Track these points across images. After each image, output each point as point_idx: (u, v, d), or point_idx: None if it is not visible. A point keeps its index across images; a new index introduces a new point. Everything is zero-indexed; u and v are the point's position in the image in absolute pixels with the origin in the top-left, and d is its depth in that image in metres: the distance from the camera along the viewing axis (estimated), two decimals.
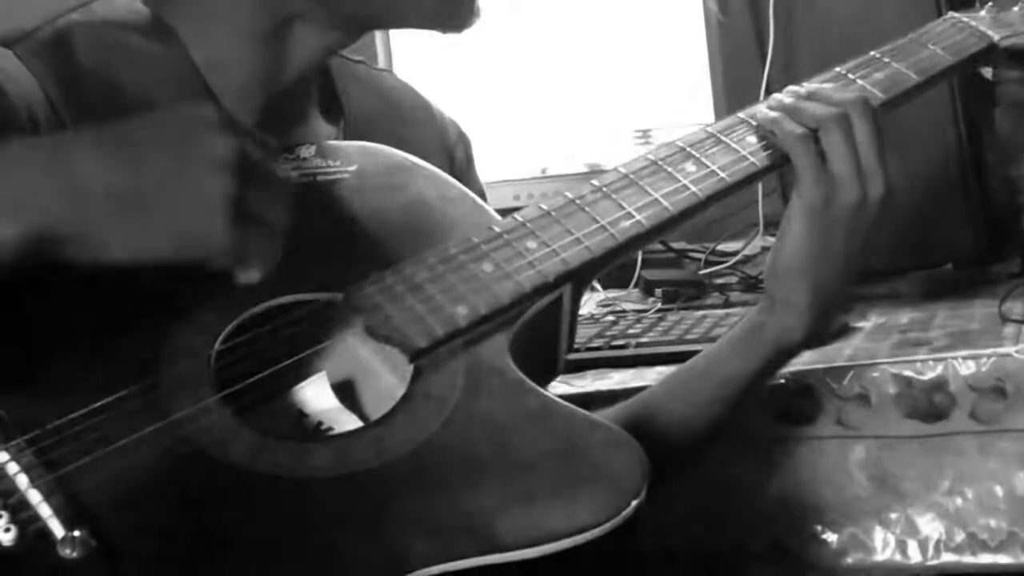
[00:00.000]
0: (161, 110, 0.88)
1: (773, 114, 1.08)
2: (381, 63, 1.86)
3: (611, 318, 1.62)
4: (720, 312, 1.57)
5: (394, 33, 1.89)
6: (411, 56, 1.91)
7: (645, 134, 1.92)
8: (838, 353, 1.32)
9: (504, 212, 1.07)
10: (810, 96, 1.09)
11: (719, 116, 1.86)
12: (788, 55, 1.64)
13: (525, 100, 1.95)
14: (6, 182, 0.82)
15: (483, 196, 1.22)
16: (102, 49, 1.03)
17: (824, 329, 1.12)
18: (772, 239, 1.83)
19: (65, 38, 1.02)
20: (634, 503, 0.85)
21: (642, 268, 1.81)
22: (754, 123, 1.09)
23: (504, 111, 1.93)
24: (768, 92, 1.64)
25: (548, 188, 1.93)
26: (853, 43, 1.58)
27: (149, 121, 0.87)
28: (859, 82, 1.13)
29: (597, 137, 1.94)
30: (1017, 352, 1.24)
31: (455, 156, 1.22)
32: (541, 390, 0.94)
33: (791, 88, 1.11)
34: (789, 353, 1.12)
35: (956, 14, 1.24)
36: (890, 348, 1.32)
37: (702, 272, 1.85)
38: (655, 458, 0.88)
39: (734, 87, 1.86)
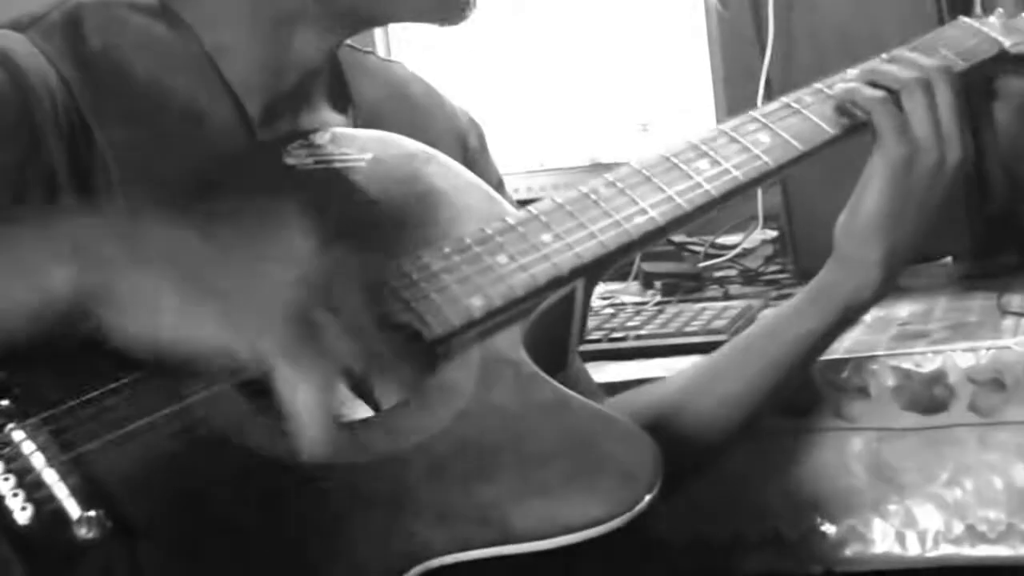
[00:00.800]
0: (252, 205, 0.86)
1: (850, 84, 1.11)
2: (381, 54, 1.86)
3: (610, 310, 1.63)
4: (719, 305, 1.58)
5: (393, 26, 1.89)
6: (411, 49, 1.91)
7: (645, 127, 1.92)
8: (837, 345, 1.32)
9: None
10: (892, 60, 1.12)
11: (719, 109, 1.86)
12: (788, 49, 1.64)
13: (525, 93, 1.95)
14: (70, 231, 0.82)
15: (501, 183, 1.22)
16: (111, 30, 1.03)
17: (890, 288, 1.13)
18: (771, 232, 1.86)
19: (75, 20, 1.02)
20: (647, 497, 0.85)
21: (641, 261, 1.81)
22: (765, 121, 1.10)
23: (504, 104, 1.93)
24: (768, 85, 1.65)
25: (548, 181, 1.94)
26: (851, 37, 1.59)
27: (234, 205, 0.86)
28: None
29: (598, 130, 1.94)
30: (1016, 344, 1.24)
31: (468, 144, 1.22)
32: (555, 383, 0.94)
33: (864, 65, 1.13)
34: (860, 309, 1.14)
35: (967, 19, 1.24)
36: (889, 340, 1.33)
37: (701, 265, 1.85)
38: (679, 453, 0.89)
39: (734, 80, 1.86)
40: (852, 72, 1.13)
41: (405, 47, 1.92)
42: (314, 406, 0.79)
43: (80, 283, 0.80)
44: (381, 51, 1.89)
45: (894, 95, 1.09)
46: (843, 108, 1.10)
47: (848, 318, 1.14)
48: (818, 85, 1.13)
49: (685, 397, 1.17)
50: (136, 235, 0.82)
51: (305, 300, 0.81)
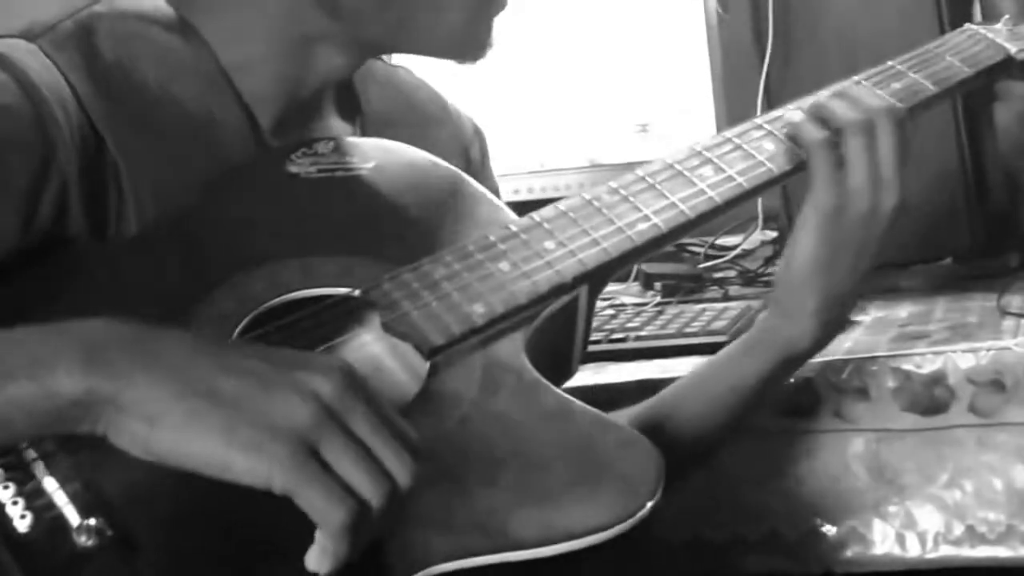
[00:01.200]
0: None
1: (797, 117, 1.09)
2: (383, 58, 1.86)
3: (610, 311, 1.62)
4: (719, 306, 1.57)
5: None
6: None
7: (644, 128, 1.92)
8: (837, 346, 1.32)
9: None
10: (840, 95, 1.09)
11: (719, 111, 1.87)
12: (787, 51, 1.64)
13: (525, 94, 1.95)
14: (85, 337, 0.80)
15: (497, 193, 1.22)
16: (124, 41, 1.02)
17: (831, 337, 1.11)
18: (771, 233, 1.86)
19: (88, 30, 1.02)
20: (649, 504, 0.85)
21: (641, 262, 1.81)
22: (770, 128, 1.10)
23: (504, 105, 1.93)
24: (767, 88, 1.65)
25: (547, 182, 1.94)
26: (851, 39, 1.59)
27: (264, 346, 0.84)
28: (877, 92, 1.13)
29: (597, 131, 1.94)
30: (1016, 345, 1.24)
31: (471, 154, 1.22)
32: (557, 390, 0.94)
33: (825, 91, 1.11)
34: (798, 359, 1.12)
35: (973, 26, 1.24)
36: (889, 341, 1.33)
37: (701, 266, 1.85)
38: (668, 457, 0.89)
39: (733, 82, 1.86)
40: (805, 104, 1.11)
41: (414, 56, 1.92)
42: (317, 551, 0.78)
43: (89, 385, 0.78)
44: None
45: (834, 136, 1.06)
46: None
47: (789, 366, 1.12)
48: (824, 92, 1.13)
49: (655, 421, 1.16)
50: (148, 344, 0.80)
51: (320, 429, 0.78)
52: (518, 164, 1.94)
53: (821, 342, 1.10)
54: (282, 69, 1.06)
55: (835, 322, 1.10)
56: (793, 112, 1.10)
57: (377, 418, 0.80)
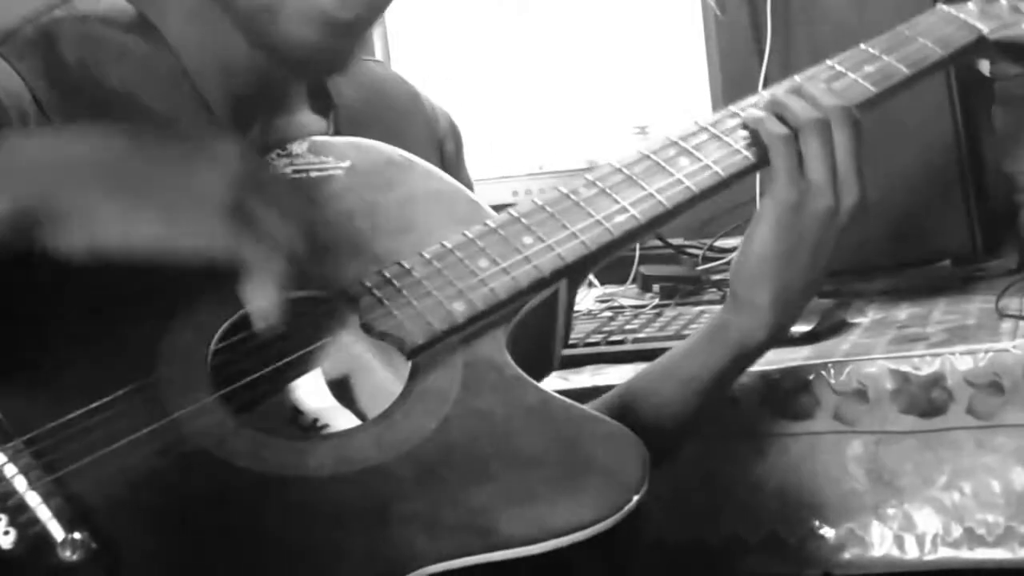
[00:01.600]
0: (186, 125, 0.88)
1: (759, 113, 1.09)
2: (379, 58, 1.86)
3: (608, 313, 1.62)
4: (717, 308, 1.57)
5: (393, 30, 1.89)
6: (409, 51, 1.91)
7: (643, 130, 1.92)
8: (835, 348, 1.33)
9: (502, 208, 1.07)
10: (797, 92, 1.09)
11: (717, 111, 1.86)
12: (785, 50, 1.64)
13: (522, 96, 1.95)
14: (6, 157, 0.82)
15: (470, 187, 1.21)
16: (86, 44, 1.02)
17: (786, 331, 1.11)
18: None
19: (49, 35, 1.01)
20: (635, 498, 0.85)
21: (640, 264, 1.81)
22: (744, 116, 1.09)
23: (501, 107, 1.93)
24: (765, 88, 1.65)
25: (546, 184, 1.93)
26: (849, 37, 1.59)
27: (160, 121, 0.88)
28: (850, 75, 1.13)
29: (595, 133, 1.94)
30: (1014, 347, 1.24)
31: (445, 148, 1.22)
32: (539, 385, 0.94)
33: (783, 83, 1.11)
34: (751, 354, 1.12)
35: (945, 6, 1.23)
36: (887, 343, 1.33)
37: (700, 268, 1.85)
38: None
39: (732, 82, 1.86)
40: (767, 92, 1.11)
41: (404, 50, 1.92)
42: (261, 283, 0.83)
43: (16, 207, 0.80)
44: (380, 53, 1.89)
45: (793, 132, 1.06)
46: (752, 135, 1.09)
47: (742, 360, 1.13)
48: (798, 78, 1.13)
49: (624, 402, 1.16)
50: (66, 148, 0.83)
51: (239, 192, 0.83)
52: (517, 166, 1.94)
53: (774, 337, 1.11)
54: (212, 52, 1.05)
55: (788, 318, 1.11)
56: (752, 108, 1.10)
57: (277, 174, 0.87)
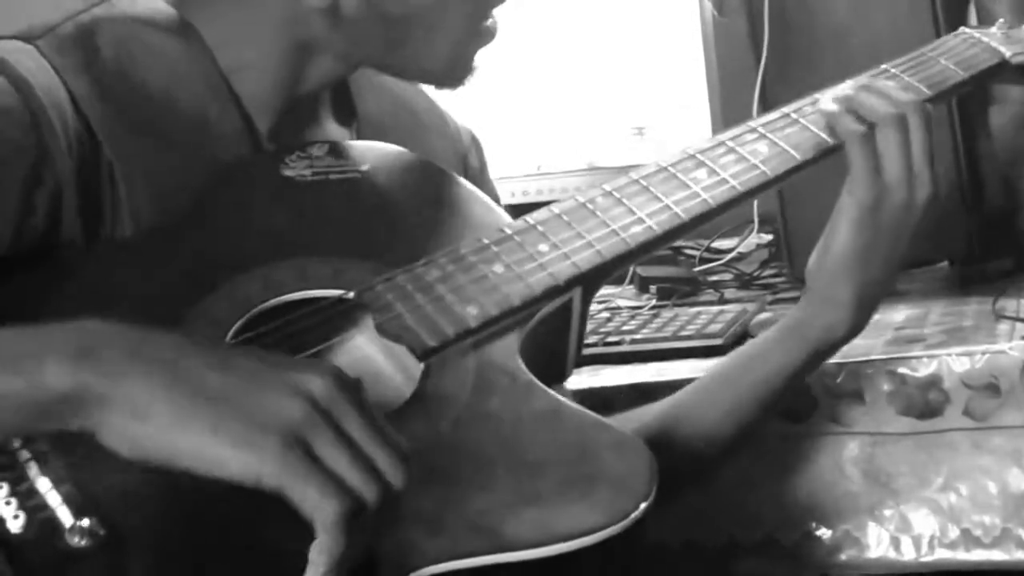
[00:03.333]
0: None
1: (834, 107, 1.10)
2: None
3: (606, 315, 1.63)
4: (715, 309, 1.58)
5: None
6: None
7: (641, 131, 1.92)
8: None
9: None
10: (868, 89, 1.10)
11: (714, 114, 1.87)
12: (783, 54, 1.65)
13: (522, 97, 1.95)
14: (76, 337, 0.80)
15: (497, 201, 1.22)
16: (125, 44, 1.02)
17: (864, 325, 1.13)
18: (767, 236, 1.86)
19: (88, 33, 1.01)
20: (643, 505, 0.85)
21: (637, 265, 1.81)
22: (763, 131, 1.10)
23: (501, 108, 1.93)
24: (763, 90, 1.65)
25: (545, 185, 1.94)
26: (847, 43, 1.59)
27: (255, 348, 0.84)
28: (908, 81, 1.14)
29: (593, 134, 1.94)
30: (1011, 349, 1.24)
31: (469, 162, 1.23)
32: (550, 391, 0.94)
33: (846, 84, 1.12)
34: (832, 349, 1.14)
35: (968, 29, 1.24)
36: (884, 345, 1.33)
37: (697, 269, 1.85)
38: (680, 466, 0.89)
39: (730, 85, 1.86)
40: (832, 94, 1.11)
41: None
42: (319, 501, 0.77)
43: (76, 383, 0.78)
44: None
45: (870, 129, 1.08)
46: (827, 123, 1.10)
47: (818, 358, 1.14)
48: (818, 96, 1.13)
49: (666, 425, 1.16)
50: (139, 342, 0.80)
51: (307, 425, 0.78)
52: (516, 167, 1.94)
53: (855, 330, 1.12)
54: (279, 74, 1.06)
55: (869, 310, 1.12)
56: (825, 100, 1.11)
57: (368, 419, 0.80)
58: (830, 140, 1.10)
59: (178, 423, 0.78)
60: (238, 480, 0.78)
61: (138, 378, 0.78)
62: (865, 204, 1.07)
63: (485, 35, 1.10)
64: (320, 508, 0.77)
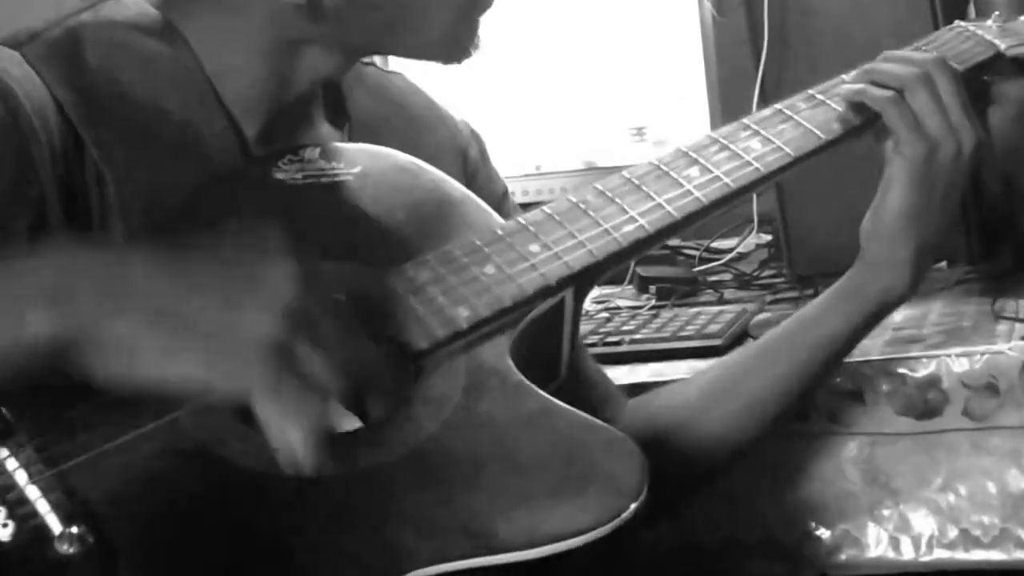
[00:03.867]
0: (230, 238, 0.85)
1: (856, 85, 1.11)
2: (378, 60, 1.86)
3: (605, 315, 1.63)
4: (714, 309, 1.58)
5: None
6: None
7: (640, 131, 1.92)
8: None
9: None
10: (887, 59, 1.12)
11: (714, 114, 1.87)
12: (783, 53, 1.65)
13: (520, 97, 1.95)
14: (48, 279, 0.80)
15: (505, 192, 1.22)
16: (111, 50, 1.02)
17: (921, 281, 1.14)
18: (766, 236, 1.86)
19: (74, 39, 1.01)
20: (633, 506, 0.85)
21: (636, 265, 1.81)
22: (757, 128, 1.10)
23: (499, 108, 1.93)
24: (763, 90, 1.65)
25: (543, 185, 1.94)
26: (847, 42, 1.59)
27: (215, 248, 0.84)
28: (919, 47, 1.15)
29: (592, 134, 1.94)
30: (1010, 349, 1.24)
31: (469, 156, 1.22)
32: (541, 392, 0.94)
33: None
34: (889, 309, 1.15)
35: (963, 23, 1.24)
36: (884, 345, 1.33)
37: (696, 269, 1.86)
38: (706, 455, 0.89)
39: (729, 85, 1.86)
40: (849, 77, 1.13)
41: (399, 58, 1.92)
42: (297, 438, 0.79)
43: (57, 329, 0.78)
44: (379, 57, 1.89)
45: (899, 93, 1.09)
46: (846, 113, 1.11)
47: (876, 319, 1.15)
48: (812, 91, 1.13)
49: (704, 402, 1.17)
50: (112, 277, 0.81)
51: (284, 331, 0.79)
52: (514, 167, 1.94)
53: (913, 288, 1.13)
54: (266, 75, 1.05)
55: (926, 267, 1.14)
56: (846, 84, 1.12)
57: (335, 317, 0.82)
58: (823, 136, 1.10)
59: (165, 357, 0.79)
60: (228, 402, 0.81)
61: (118, 318, 0.79)
62: (917, 161, 1.08)
63: (481, 3, 1.09)
64: (304, 413, 0.79)
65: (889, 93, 1.09)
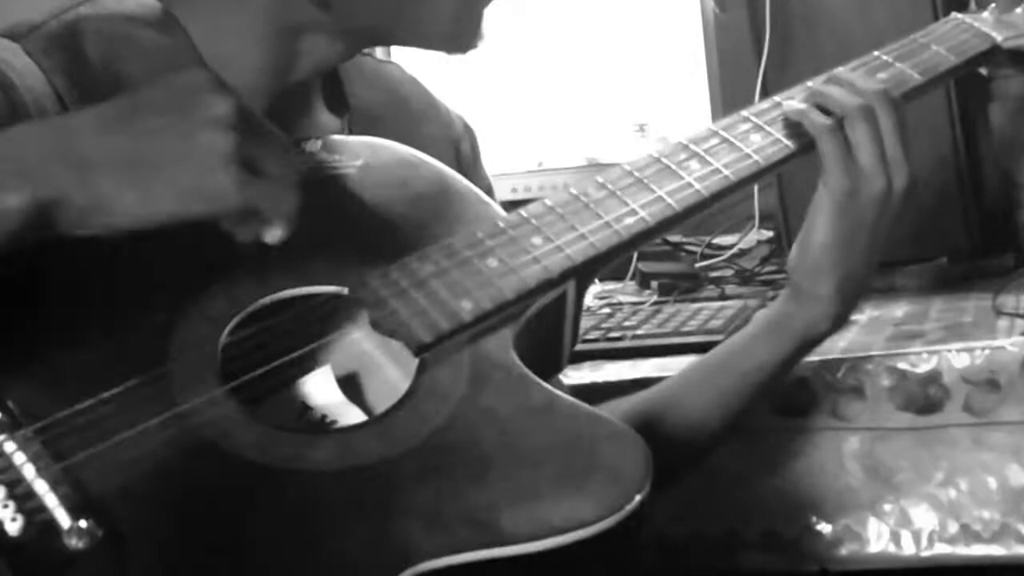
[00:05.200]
0: (157, 79, 0.89)
1: (801, 105, 1.10)
2: (379, 54, 1.87)
3: (607, 310, 1.63)
4: (715, 305, 1.58)
5: None
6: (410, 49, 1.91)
7: (642, 128, 1.92)
8: (833, 346, 1.33)
9: (502, 205, 1.08)
10: (835, 81, 1.11)
11: (715, 110, 1.87)
12: (784, 50, 1.65)
13: (523, 93, 1.95)
14: (11, 154, 0.83)
15: (490, 190, 1.22)
16: (110, 42, 1.02)
17: (847, 317, 1.13)
18: (767, 232, 1.86)
19: (73, 31, 1.02)
20: (637, 497, 0.85)
21: (638, 261, 1.81)
22: (756, 121, 1.10)
23: (502, 104, 1.93)
24: (764, 87, 1.65)
25: (545, 181, 1.94)
26: (848, 37, 1.60)
27: (147, 90, 0.88)
28: (872, 76, 1.14)
29: (594, 130, 1.94)
30: (1011, 345, 1.24)
31: (461, 149, 1.22)
32: (545, 384, 0.94)
33: (818, 79, 1.13)
34: (815, 342, 1.14)
35: (959, 15, 1.24)
36: (885, 341, 1.33)
37: (698, 265, 1.86)
38: (663, 457, 0.89)
39: (731, 81, 1.86)
40: (797, 94, 1.12)
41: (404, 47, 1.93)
42: (276, 197, 0.87)
43: (35, 201, 0.82)
44: (380, 50, 1.90)
45: (838, 121, 1.07)
46: (795, 127, 1.09)
47: (802, 351, 1.14)
48: (809, 83, 1.13)
49: (650, 415, 1.17)
50: (70, 141, 0.84)
51: (239, 143, 0.85)
52: (516, 163, 1.95)
53: (838, 323, 1.12)
54: (266, 63, 1.06)
55: (852, 302, 1.12)
56: (790, 101, 1.11)
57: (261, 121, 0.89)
58: None
59: (142, 201, 0.84)
60: (212, 217, 0.87)
61: (90, 181, 0.83)
62: (840, 195, 1.07)
63: None
64: (284, 202, 0.88)
65: (828, 121, 1.07)
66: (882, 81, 1.13)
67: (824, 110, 1.08)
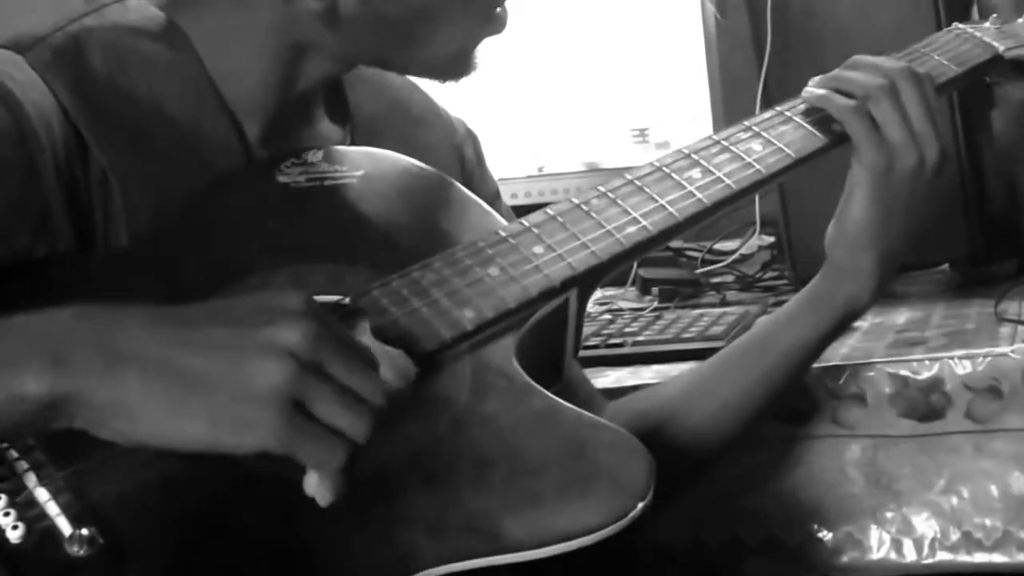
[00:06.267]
0: (245, 297, 0.83)
1: (820, 91, 1.11)
2: None
3: (608, 316, 1.63)
4: (717, 311, 1.58)
5: None
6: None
7: (642, 133, 1.92)
8: (834, 352, 1.33)
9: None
10: (854, 67, 1.12)
11: (716, 116, 1.87)
12: (785, 56, 1.65)
13: (523, 98, 1.95)
14: (50, 333, 0.78)
15: (497, 193, 1.22)
16: (115, 55, 1.02)
17: (885, 290, 1.14)
18: (768, 238, 1.86)
19: (78, 44, 1.01)
20: (640, 505, 0.85)
21: (639, 267, 1.81)
22: (758, 130, 1.10)
23: (502, 109, 1.93)
24: (765, 92, 1.65)
25: (546, 186, 1.94)
26: (849, 42, 1.59)
27: (233, 300, 0.82)
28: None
29: (595, 136, 1.94)
30: (1013, 352, 1.24)
31: (465, 155, 1.22)
32: (547, 392, 0.94)
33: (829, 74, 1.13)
34: (855, 315, 1.15)
35: (961, 25, 1.25)
36: (886, 347, 1.33)
37: (699, 271, 1.86)
38: (677, 459, 0.89)
39: (731, 87, 1.86)
40: (814, 82, 1.13)
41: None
42: (313, 480, 0.79)
43: (55, 389, 0.77)
44: None
45: (863, 102, 1.09)
46: (821, 119, 1.10)
47: (843, 325, 1.15)
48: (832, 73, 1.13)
49: (683, 403, 1.18)
50: (111, 335, 0.78)
51: (295, 385, 0.77)
52: (516, 168, 1.94)
53: (877, 294, 1.14)
54: (270, 76, 1.06)
55: (891, 275, 1.14)
56: (811, 89, 1.12)
57: (347, 354, 0.80)
58: (824, 138, 1.10)
59: (170, 416, 0.77)
60: (243, 454, 0.78)
61: (117, 380, 0.77)
62: (875, 171, 1.08)
63: (495, 25, 1.10)
64: (324, 461, 0.78)
65: (851, 102, 1.09)
66: None
67: (846, 95, 1.09)
